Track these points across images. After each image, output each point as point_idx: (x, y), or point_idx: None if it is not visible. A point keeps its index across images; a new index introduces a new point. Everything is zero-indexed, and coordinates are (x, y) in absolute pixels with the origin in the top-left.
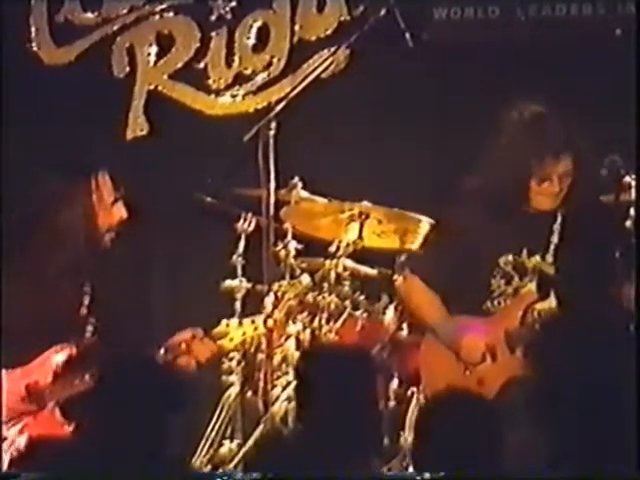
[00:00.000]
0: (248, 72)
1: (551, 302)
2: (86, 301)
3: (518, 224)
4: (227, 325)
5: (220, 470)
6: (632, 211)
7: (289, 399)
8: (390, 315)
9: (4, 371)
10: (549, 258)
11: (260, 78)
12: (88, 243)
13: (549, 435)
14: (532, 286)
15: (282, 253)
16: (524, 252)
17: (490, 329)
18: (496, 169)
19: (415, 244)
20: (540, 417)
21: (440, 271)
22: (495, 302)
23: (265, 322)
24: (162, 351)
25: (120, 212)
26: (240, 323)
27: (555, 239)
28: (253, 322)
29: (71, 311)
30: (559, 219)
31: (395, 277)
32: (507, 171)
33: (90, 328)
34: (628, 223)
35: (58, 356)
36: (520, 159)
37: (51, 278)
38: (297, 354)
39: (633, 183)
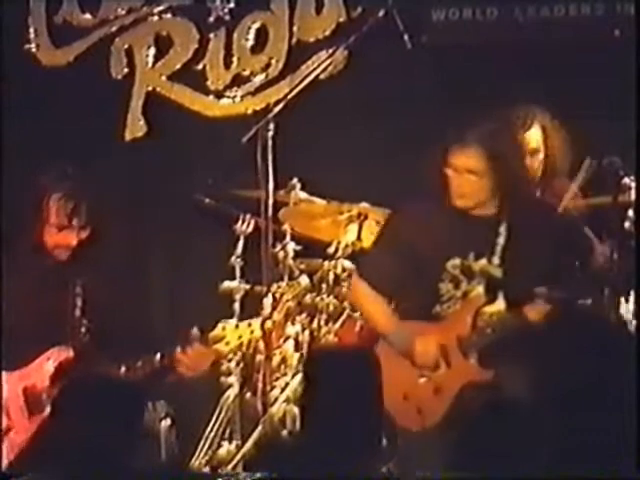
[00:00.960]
0: (246, 73)
1: (499, 305)
2: (79, 303)
3: (464, 228)
4: (223, 328)
5: (220, 471)
6: (631, 213)
7: (288, 400)
8: None
9: (4, 373)
10: (495, 260)
11: (258, 79)
12: (36, 254)
13: (549, 435)
14: (480, 289)
15: (281, 254)
16: (471, 255)
17: (442, 334)
18: (439, 175)
19: None
20: (540, 417)
21: (389, 275)
22: (445, 306)
23: (262, 325)
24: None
25: (67, 239)
26: (236, 326)
27: (501, 241)
28: (249, 325)
29: (60, 314)
30: (504, 222)
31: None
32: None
33: (84, 330)
34: (627, 224)
35: (55, 359)
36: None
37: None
38: (297, 355)
39: (633, 184)
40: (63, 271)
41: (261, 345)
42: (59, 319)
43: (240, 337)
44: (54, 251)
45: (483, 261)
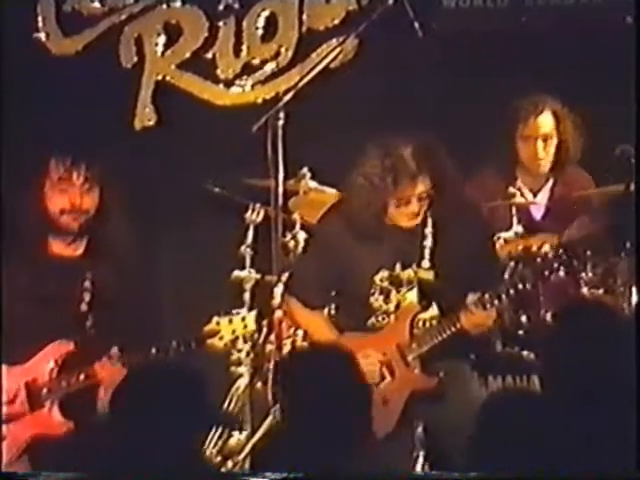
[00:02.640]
0: (256, 62)
1: (433, 310)
2: (87, 297)
3: (388, 240)
4: (217, 323)
5: (230, 462)
6: None
7: None
8: None
9: (4, 367)
10: (425, 264)
11: (268, 68)
12: (41, 224)
13: (549, 435)
14: (412, 296)
15: (291, 243)
16: (397, 266)
17: (381, 345)
18: (357, 192)
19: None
20: (540, 417)
21: (321, 291)
22: (379, 318)
23: (256, 319)
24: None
25: (71, 198)
26: (230, 321)
27: (429, 243)
28: (243, 320)
29: (69, 306)
30: (429, 225)
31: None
32: (366, 195)
33: (89, 324)
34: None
35: (55, 353)
36: (377, 184)
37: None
38: (307, 344)
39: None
40: (71, 264)
41: (272, 335)
42: (64, 312)
43: (234, 332)
44: (61, 220)
45: (413, 268)
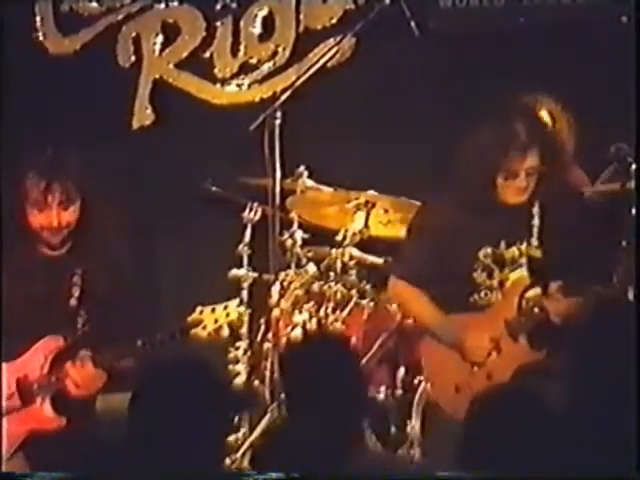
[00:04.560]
0: (254, 61)
1: (536, 289)
2: (76, 293)
3: (492, 217)
4: (200, 312)
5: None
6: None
7: None
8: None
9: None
10: (534, 242)
11: (266, 67)
12: (27, 239)
13: (549, 435)
14: (524, 272)
15: (288, 242)
16: (502, 244)
17: (489, 323)
18: (465, 165)
19: None
20: (540, 417)
21: (421, 268)
22: (482, 294)
23: (238, 307)
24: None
25: (48, 219)
26: (213, 310)
27: (536, 222)
28: (225, 308)
29: (57, 303)
30: (537, 205)
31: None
32: (475, 168)
33: (81, 320)
34: (634, 211)
35: (48, 349)
36: (487, 156)
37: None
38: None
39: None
40: (61, 260)
41: (270, 332)
42: (55, 308)
43: (217, 321)
44: (42, 234)
45: (517, 247)
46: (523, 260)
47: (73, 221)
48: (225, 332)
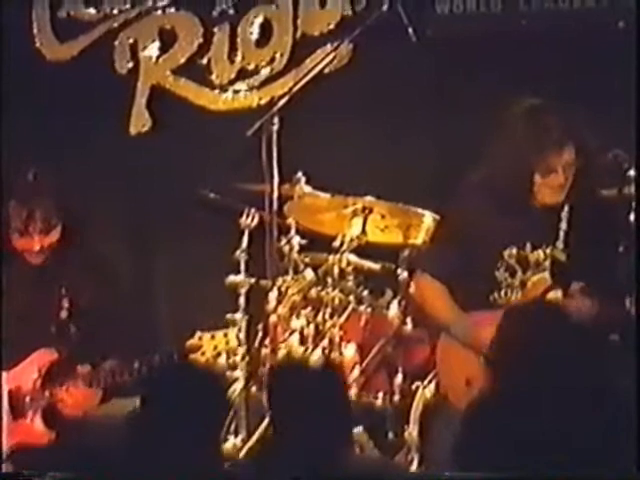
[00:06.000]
0: (251, 67)
1: (557, 292)
2: (65, 304)
3: (522, 218)
4: (200, 338)
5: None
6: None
7: None
8: (394, 310)
9: None
10: (560, 245)
11: (263, 73)
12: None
13: (549, 435)
14: (546, 274)
15: (286, 248)
16: (527, 246)
17: None
18: (499, 164)
19: (418, 239)
20: (540, 417)
21: (445, 264)
22: (502, 293)
23: (237, 336)
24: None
25: (29, 244)
26: (212, 337)
27: (564, 226)
28: (225, 335)
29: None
30: (566, 208)
31: (399, 272)
32: (510, 166)
33: (73, 331)
34: (632, 217)
35: (41, 362)
36: (522, 153)
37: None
38: (302, 349)
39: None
40: (48, 273)
41: (267, 339)
42: (45, 322)
43: (216, 347)
44: (25, 255)
45: (543, 250)
46: (547, 263)
47: (55, 242)
48: (223, 359)
